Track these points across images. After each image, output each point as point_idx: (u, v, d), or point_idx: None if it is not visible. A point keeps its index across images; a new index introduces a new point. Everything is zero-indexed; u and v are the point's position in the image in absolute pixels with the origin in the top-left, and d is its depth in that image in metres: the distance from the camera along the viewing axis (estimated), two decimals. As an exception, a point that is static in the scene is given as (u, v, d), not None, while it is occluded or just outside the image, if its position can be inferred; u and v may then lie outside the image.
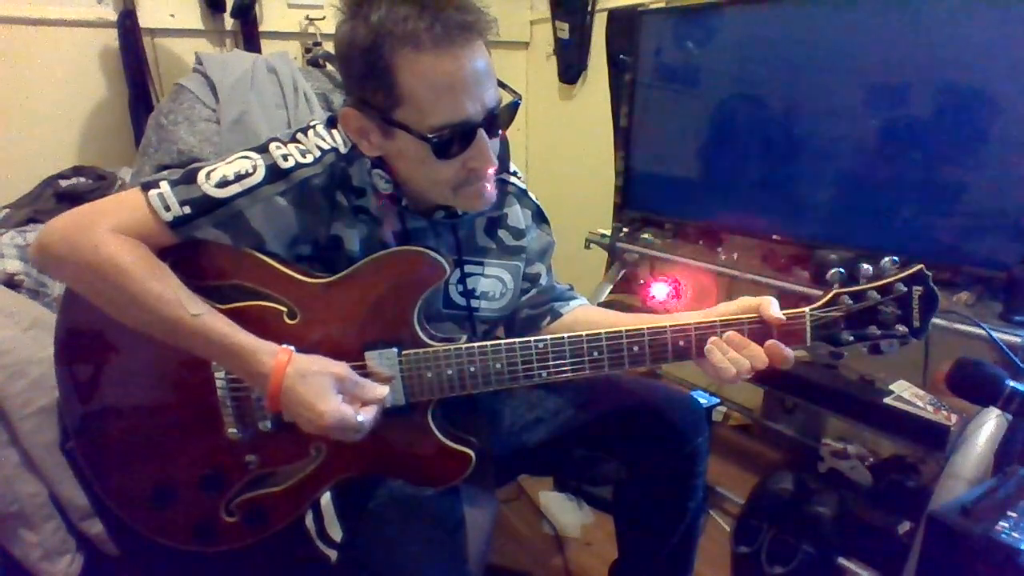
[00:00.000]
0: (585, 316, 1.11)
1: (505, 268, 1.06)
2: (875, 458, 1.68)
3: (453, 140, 0.82)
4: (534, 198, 1.11)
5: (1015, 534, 0.95)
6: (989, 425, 1.21)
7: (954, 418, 1.28)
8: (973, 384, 0.96)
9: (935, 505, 1.17)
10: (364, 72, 0.80)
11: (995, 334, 1.15)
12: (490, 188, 0.90)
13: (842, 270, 0.88)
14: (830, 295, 0.88)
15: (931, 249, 1.42)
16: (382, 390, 0.87)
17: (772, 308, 0.87)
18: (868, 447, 1.71)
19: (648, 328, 0.88)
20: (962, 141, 1.37)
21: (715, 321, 0.88)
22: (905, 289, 0.86)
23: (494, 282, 1.05)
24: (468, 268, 1.02)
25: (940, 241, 1.41)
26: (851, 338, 0.88)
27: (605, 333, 0.89)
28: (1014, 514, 0.99)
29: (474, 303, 1.03)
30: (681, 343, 0.88)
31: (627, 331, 0.89)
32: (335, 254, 0.92)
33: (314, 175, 0.89)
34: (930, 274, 0.86)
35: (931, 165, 1.42)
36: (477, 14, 0.80)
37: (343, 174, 0.91)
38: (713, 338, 0.87)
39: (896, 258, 0.86)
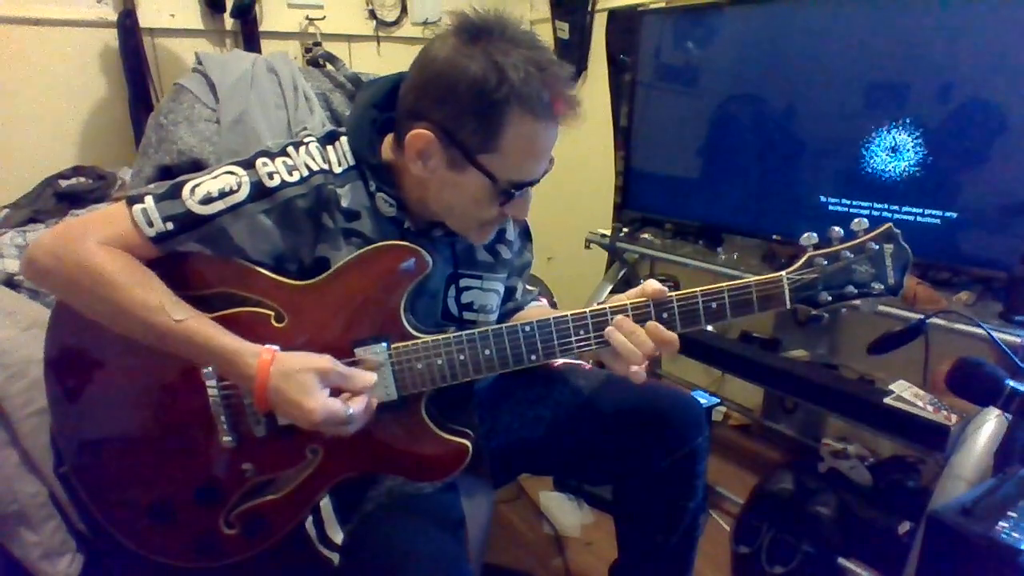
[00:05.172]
0: (544, 312, 1.12)
1: (501, 281, 1.08)
2: (875, 458, 1.68)
3: (514, 192, 0.87)
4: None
5: (1015, 534, 0.95)
6: (989, 425, 1.21)
7: (954, 418, 1.28)
8: (973, 384, 0.96)
9: (935, 505, 1.17)
10: (472, 112, 0.82)
11: (995, 334, 1.15)
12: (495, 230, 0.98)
13: (814, 233, 0.90)
14: (804, 257, 0.90)
15: (931, 249, 1.42)
16: (369, 377, 0.87)
17: (651, 283, 0.90)
18: (868, 447, 1.71)
19: (631, 303, 0.89)
20: (963, 141, 1.38)
21: (697, 292, 0.89)
22: (876, 247, 0.88)
23: (491, 295, 1.06)
24: (466, 282, 1.03)
25: (940, 241, 1.41)
26: (829, 298, 0.90)
27: (590, 311, 0.90)
28: (1014, 514, 0.99)
29: (472, 316, 1.03)
30: (665, 315, 0.89)
31: (611, 307, 0.90)
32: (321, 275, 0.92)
33: (298, 195, 0.89)
34: (899, 232, 0.88)
35: (931, 165, 1.42)
36: (576, 100, 0.86)
37: (331, 196, 0.91)
38: (608, 327, 0.89)
39: (865, 219, 0.88)
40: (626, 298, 0.90)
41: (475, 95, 0.81)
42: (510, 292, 1.15)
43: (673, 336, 0.89)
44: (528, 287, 1.21)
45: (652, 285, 0.89)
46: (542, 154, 0.87)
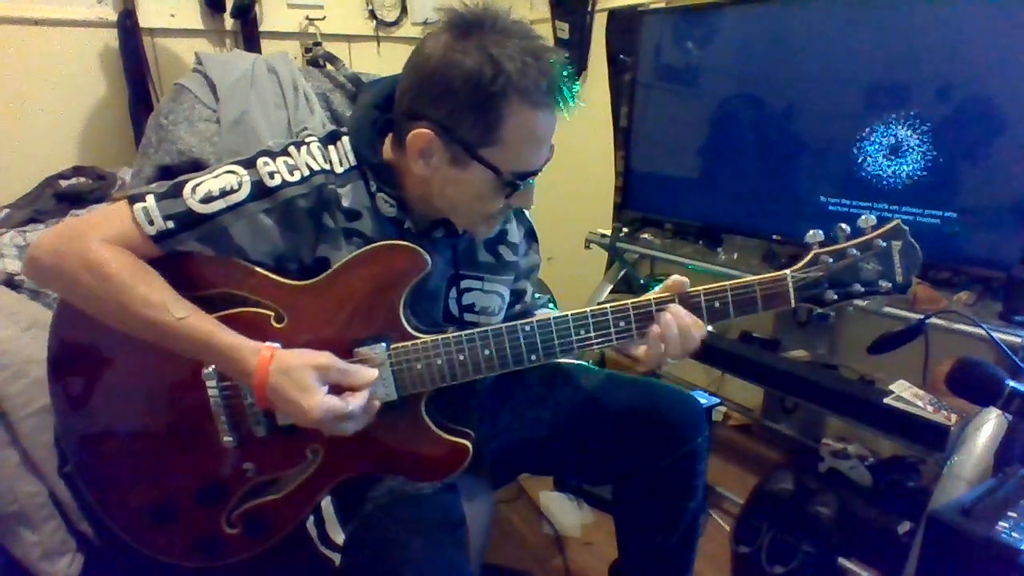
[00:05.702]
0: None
1: (503, 283, 1.07)
2: (875, 458, 1.68)
3: (519, 183, 0.87)
4: (528, 216, 1.13)
5: (1015, 534, 0.95)
6: (989, 425, 1.21)
7: (954, 418, 1.28)
8: (973, 384, 0.96)
9: (935, 505, 1.17)
10: (470, 107, 0.82)
11: (995, 334, 1.15)
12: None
13: (820, 231, 0.88)
14: (810, 255, 0.88)
15: (931, 249, 1.41)
16: (370, 373, 0.86)
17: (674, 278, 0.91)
18: (868, 447, 1.71)
19: (632, 303, 0.89)
20: (963, 140, 1.38)
21: (700, 291, 0.89)
22: (884, 244, 0.87)
23: (493, 297, 1.06)
24: (467, 283, 1.02)
25: (940, 241, 1.41)
26: (835, 296, 0.88)
27: (590, 310, 0.90)
28: (1014, 514, 0.99)
29: (473, 317, 1.03)
30: (667, 315, 0.89)
31: (612, 307, 0.89)
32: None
33: (299, 195, 0.89)
34: (907, 228, 0.87)
35: (931, 165, 1.42)
36: (574, 79, 0.85)
37: (332, 195, 0.91)
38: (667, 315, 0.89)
39: (873, 215, 0.87)
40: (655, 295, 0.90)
41: (472, 90, 0.80)
42: (519, 295, 1.15)
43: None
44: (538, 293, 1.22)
45: (675, 278, 0.90)
46: (543, 142, 0.87)
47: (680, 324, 0.88)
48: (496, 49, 0.80)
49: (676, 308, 0.89)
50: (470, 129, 0.83)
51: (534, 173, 0.88)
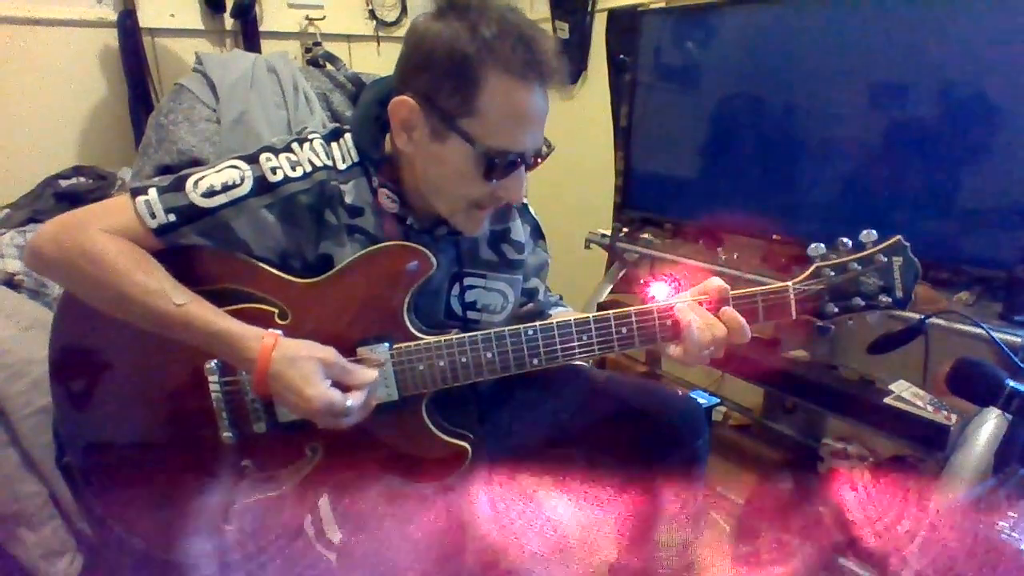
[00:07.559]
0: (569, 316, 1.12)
1: (507, 282, 1.07)
2: (875, 458, 1.68)
3: (501, 165, 0.85)
4: (534, 214, 1.13)
5: (1015, 534, 0.95)
6: (989, 425, 1.21)
7: (954, 418, 1.28)
8: (973, 384, 0.96)
9: (935, 505, 1.17)
10: (448, 73, 0.82)
11: (995, 334, 1.15)
12: (487, 220, 0.95)
13: (822, 244, 0.89)
14: (811, 268, 0.89)
15: (931, 249, 1.41)
16: (371, 374, 0.87)
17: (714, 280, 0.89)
18: (868, 447, 1.71)
19: (635, 309, 0.89)
20: (962, 141, 1.37)
21: (702, 299, 0.89)
22: (885, 260, 0.88)
23: (496, 295, 1.06)
24: (470, 280, 1.02)
25: (940, 241, 1.41)
26: (836, 310, 0.89)
27: (593, 316, 0.90)
28: (1014, 514, 0.99)
29: (475, 315, 1.03)
30: (669, 322, 0.89)
31: (615, 313, 0.89)
32: (325, 272, 0.92)
33: (301, 191, 0.89)
34: (908, 244, 0.88)
35: (931, 165, 1.42)
36: (562, 66, 0.85)
37: (334, 192, 0.91)
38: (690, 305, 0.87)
39: (874, 231, 0.87)
40: (693, 295, 0.89)
41: (448, 55, 0.81)
42: (531, 294, 1.15)
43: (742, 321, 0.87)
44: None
45: (715, 282, 0.89)
46: (525, 119, 0.85)
47: (705, 321, 0.87)
48: (476, 18, 0.81)
49: (694, 308, 0.87)
50: (449, 97, 0.83)
51: (517, 156, 0.86)
